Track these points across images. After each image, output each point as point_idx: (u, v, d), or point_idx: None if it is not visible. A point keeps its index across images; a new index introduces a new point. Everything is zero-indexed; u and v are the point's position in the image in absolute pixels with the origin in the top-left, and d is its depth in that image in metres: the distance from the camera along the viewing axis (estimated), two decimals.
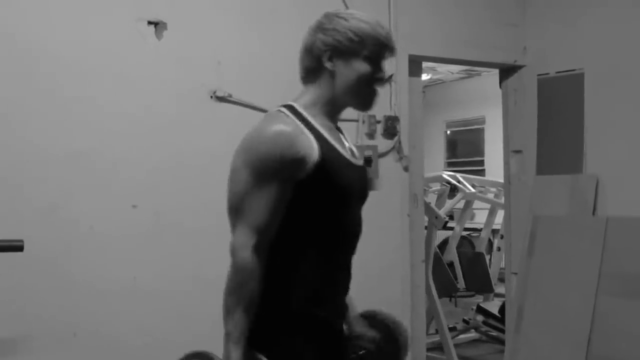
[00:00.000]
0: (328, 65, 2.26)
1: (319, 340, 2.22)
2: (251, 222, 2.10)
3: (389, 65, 2.34)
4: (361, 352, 2.47)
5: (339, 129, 2.38)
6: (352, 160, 2.31)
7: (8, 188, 3.53)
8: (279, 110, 2.23)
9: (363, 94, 2.31)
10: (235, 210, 2.14)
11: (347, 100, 2.31)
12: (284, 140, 2.10)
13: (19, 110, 3.58)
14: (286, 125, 2.14)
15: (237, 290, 2.10)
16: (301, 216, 2.17)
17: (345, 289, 2.39)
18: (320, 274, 2.22)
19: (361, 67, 2.26)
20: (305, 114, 2.23)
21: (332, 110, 2.31)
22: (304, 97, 2.30)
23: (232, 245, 2.12)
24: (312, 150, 2.13)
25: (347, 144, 2.36)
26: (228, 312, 2.11)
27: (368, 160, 4.63)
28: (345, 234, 2.30)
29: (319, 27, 2.29)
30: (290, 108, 2.24)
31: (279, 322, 2.19)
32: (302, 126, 2.17)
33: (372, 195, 4.87)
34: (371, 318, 2.58)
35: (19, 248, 3.29)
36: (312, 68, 2.30)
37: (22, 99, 3.59)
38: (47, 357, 3.59)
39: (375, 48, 2.27)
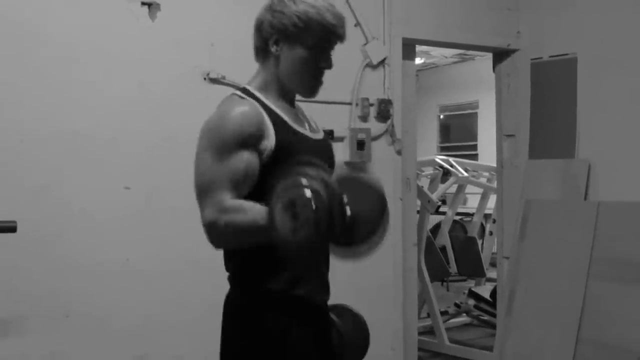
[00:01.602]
0: (273, 49, 2.24)
1: (299, 317, 2.23)
2: (216, 192, 2.08)
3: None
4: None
5: (296, 107, 2.37)
6: (310, 134, 2.31)
7: (1, 169, 3.52)
8: (233, 94, 2.24)
9: (306, 80, 2.29)
10: (202, 190, 2.13)
11: (290, 84, 2.29)
12: (244, 117, 2.11)
13: (10, 91, 3.57)
14: (242, 106, 2.15)
15: (229, 234, 2.08)
16: (267, 196, 2.14)
17: (326, 266, 2.37)
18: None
19: (304, 53, 2.23)
20: (259, 95, 2.23)
21: (283, 91, 2.29)
22: (257, 78, 2.30)
23: (203, 223, 2.10)
24: (268, 129, 2.14)
25: (304, 121, 2.35)
26: (235, 234, 2.07)
27: (360, 143, 4.62)
28: None
29: (269, 8, 2.27)
30: (244, 91, 2.25)
31: (260, 300, 2.20)
32: (256, 104, 2.18)
33: None
34: (339, 309, 2.54)
35: (12, 229, 3.29)
36: (260, 49, 2.29)
37: (14, 80, 3.58)
38: (40, 338, 3.60)
39: (321, 35, 2.23)
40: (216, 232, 2.09)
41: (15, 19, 3.59)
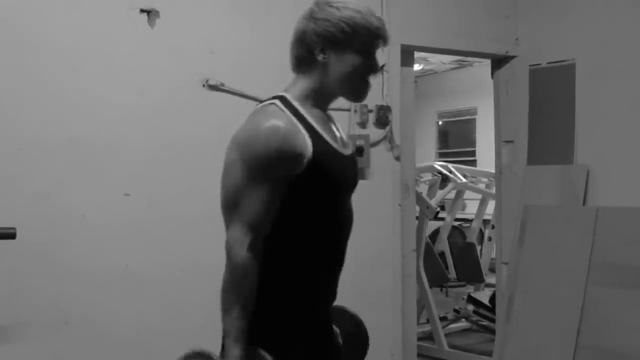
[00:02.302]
0: (320, 57, 2.22)
1: (312, 334, 2.25)
2: (246, 218, 2.08)
3: (380, 55, 2.33)
4: None
5: (329, 117, 2.36)
6: (342, 150, 2.29)
7: (0, 176, 3.53)
8: (272, 104, 2.19)
9: (356, 85, 2.28)
10: (230, 206, 2.12)
11: (340, 92, 2.28)
12: (279, 137, 2.07)
13: (10, 98, 3.57)
14: (280, 121, 2.10)
15: (234, 288, 2.09)
16: (295, 211, 2.16)
17: (338, 280, 2.38)
18: (317, 268, 2.23)
19: (354, 59, 2.22)
20: (297, 106, 2.19)
21: (323, 100, 2.28)
22: (295, 87, 2.26)
23: (228, 242, 2.10)
24: (306, 146, 2.11)
25: (337, 134, 2.34)
26: (226, 310, 2.10)
27: (360, 150, 4.63)
28: (338, 224, 2.29)
29: (311, 16, 2.23)
30: (283, 100, 2.20)
31: (275, 317, 2.19)
32: (295, 120, 2.14)
33: (363, 184, 4.87)
34: (340, 313, 2.54)
35: (12, 236, 3.29)
36: (304, 58, 2.26)
37: (14, 87, 3.58)
38: (39, 345, 3.60)
39: (368, 39, 2.22)
40: (229, 256, 2.11)
41: (15, 26, 3.59)
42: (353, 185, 2.38)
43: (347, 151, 2.35)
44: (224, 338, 2.11)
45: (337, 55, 2.22)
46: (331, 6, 2.22)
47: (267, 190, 2.08)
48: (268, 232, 2.12)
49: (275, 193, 2.10)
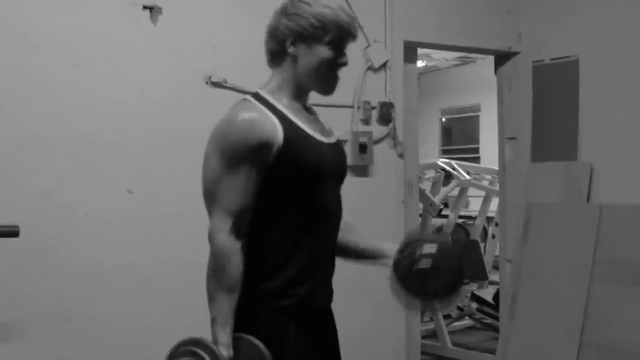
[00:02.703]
0: (291, 50, 2.32)
1: (299, 318, 2.26)
2: (225, 206, 2.18)
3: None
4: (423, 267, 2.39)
5: (309, 110, 2.43)
6: (322, 138, 2.35)
7: (3, 174, 3.53)
8: (244, 99, 2.33)
9: (325, 78, 2.35)
10: (209, 196, 2.25)
11: (309, 84, 2.36)
12: (249, 126, 2.18)
13: (12, 96, 3.57)
14: (249, 112, 2.22)
15: (217, 274, 2.18)
16: (275, 198, 2.24)
17: (329, 269, 2.41)
18: (299, 254, 2.26)
19: (323, 52, 2.31)
20: (270, 99, 2.30)
21: (298, 93, 2.36)
22: (270, 82, 2.38)
23: (209, 230, 2.22)
24: (276, 132, 2.19)
25: (316, 123, 2.40)
26: (211, 297, 2.20)
27: (363, 147, 4.62)
28: (321, 212, 2.32)
29: (283, 12, 2.35)
30: (256, 95, 2.33)
31: (259, 302, 2.23)
32: (265, 110, 2.24)
33: (366, 181, 4.88)
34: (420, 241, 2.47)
35: (15, 234, 3.29)
36: (276, 52, 2.37)
37: (16, 84, 3.58)
38: (42, 342, 3.60)
39: (337, 33, 2.31)
40: (212, 246, 2.21)
41: (16, 24, 3.59)
42: (336, 173, 2.42)
43: (328, 139, 2.40)
44: (212, 325, 2.18)
45: (306, 48, 2.31)
46: (303, 2, 2.32)
47: (241, 177, 2.18)
48: (248, 218, 2.20)
49: (249, 179, 2.18)
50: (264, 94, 2.32)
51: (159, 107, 3.95)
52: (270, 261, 2.24)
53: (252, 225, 2.21)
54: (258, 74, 4.17)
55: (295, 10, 2.31)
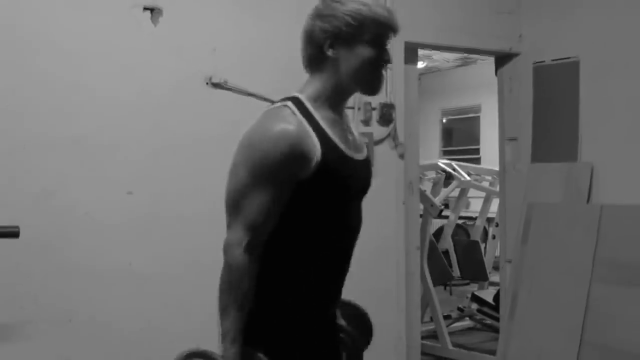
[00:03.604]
0: (330, 53, 2.20)
1: (313, 334, 2.24)
2: (246, 220, 2.08)
3: (391, 46, 2.31)
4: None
5: (343, 119, 2.32)
6: (353, 154, 2.26)
7: (4, 174, 3.53)
8: (285, 105, 2.17)
9: (369, 78, 2.26)
10: (232, 207, 2.12)
11: (354, 86, 2.26)
12: (287, 141, 2.06)
13: (13, 96, 3.57)
14: (289, 125, 2.09)
15: (230, 288, 2.09)
16: (302, 215, 2.15)
17: (343, 281, 2.37)
18: (321, 274, 2.23)
19: (364, 51, 2.20)
20: (310, 107, 2.18)
21: (338, 100, 2.26)
22: (310, 87, 2.24)
23: (225, 242, 2.11)
24: (315, 150, 2.09)
25: (350, 137, 2.30)
26: (223, 311, 2.10)
27: None
28: (344, 230, 2.29)
29: (317, 14, 2.23)
30: (296, 101, 2.19)
31: (277, 320, 2.19)
32: (305, 124, 2.12)
33: None
34: (345, 307, 2.52)
35: (15, 234, 3.29)
36: (314, 57, 2.24)
37: (17, 85, 3.59)
38: (43, 343, 3.60)
39: (376, 30, 2.21)
40: (226, 258, 2.11)
41: (17, 25, 3.60)
42: (363, 190, 2.37)
43: (360, 155, 2.32)
44: (221, 339, 2.11)
45: (346, 50, 2.20)
46: (335, 1, 2.21)
47: (270, 194, 2.07)
48: (266, 235, 2.12)
49: (278, 197, 2.09)
50: (304, 99, 2.19)
51: (159, 108, 3.95)
52: (289, 277, 2.19)
53: (272, 239, 2.13)
54: (259, 74, 4.23)
55: (329, 11, 2.20)
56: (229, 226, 2.13)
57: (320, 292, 2.26)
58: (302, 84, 2.29)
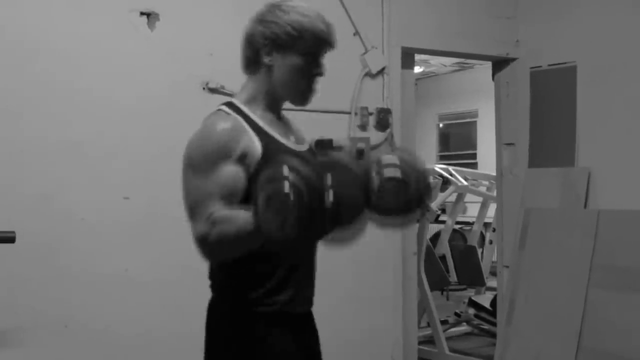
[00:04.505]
0: (266, 59, 2.25)
1: (279, 324, 2.24)
2: (204, 212, 2.06)
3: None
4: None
5: (283, 119, 2.37)
6: (295, 146, 2.29)
7: (0, 179, 3.52)
8: (219, 109, 2.23)
9: (299, 88, 2.29)
10: (192, 207, 2.11)
11: (284, 94, 2.30)
12: (228, 135, 2.12)
13: (10, 101, 3.57)
14: (225, 123, 2.15)
15: (217, 246, 2.06)
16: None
17: (310, 275, 2.38)
18: (278, 262, 2.23)
19: (298, 61, 2.24)
20: (244, 109, 2.22)
21: (272, 102, 2.30)
22: (244, 91, 2.30)
23: (196, 238, 2.08)
24: (254, 145, 2.14)
25: (291, 134, 2.34)
26: (227, 245, 2.05)
27: (360, 152, 4.62)
28: None
29: (260, 19, 2.27)
30: (230, 105, 2.24)
31: (241, 309, 2.22)
32: (242, 122, 2.17)
33: None
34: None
35: (11, 240, 3.28)
36: (252, 60, 2.29)
37: (14, 89, 3.58)
38: (38, 349, 3.59)
39: (313, 43, 2.24)
40: (208, 247, 2.08)
41: (15, 29, 3.59)
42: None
43: (302, 147, 2.35)
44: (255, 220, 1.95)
45: (282, 58, 2.24)
46: (280, 9, 2.25)
47: (222, 178, 2.08)
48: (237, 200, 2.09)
49: (231, 179, 2.10)
50: (238, 103, 2.25)
51: (156, 113, 3.95)
52: (255, 270, 2.20)
53: None
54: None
55: (272, 17, 2.24)
56: (193, 226, 2.10)
57: (286, 285, 2.25)
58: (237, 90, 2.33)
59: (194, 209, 2.11)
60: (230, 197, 2.09)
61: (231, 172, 2.10)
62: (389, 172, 2.05)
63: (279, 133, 2.25)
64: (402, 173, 2.06)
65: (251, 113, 2.22)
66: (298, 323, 2.34)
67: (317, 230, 1.94)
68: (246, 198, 2.10)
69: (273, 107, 2.31)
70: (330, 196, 1.88)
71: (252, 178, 2.10)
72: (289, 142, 2.28)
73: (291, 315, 2.29)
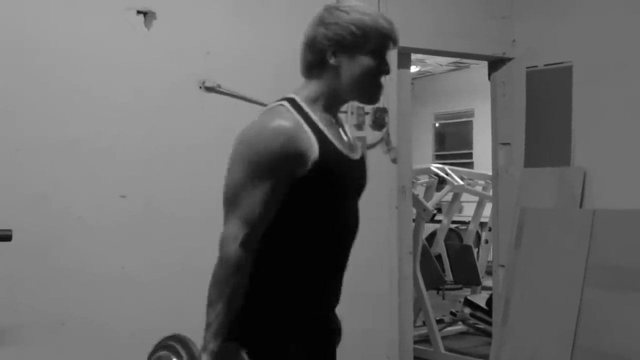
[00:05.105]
0: (332, 61, 2.23)
1: (309, 340, 2.24)
2: (242, 215, 2.08)
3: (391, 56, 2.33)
4: None
5: (338, 122, 2.36)
6: (350, 155, 2.29)
7: None
8: (281, 104, 2.20)
9: (369, 87, 2.29)
10: (228, 202, 2.13)
11: (352, 94, 2.30)
12: (284, 136, 2.08)
13: (7, 99, 3.57)
14: (286, 121, 2.12)
15: (221, 282, 2.09)
16: (298, 213, 2.16)
17: (339, 281, 2.38)
18: (317, 273, 2.23)
19: (365, 61, 2.23)
20: (305, 107, 2.20)
21: (333, 104, 2.30)
22: (306, 90, 2.27)
23: (222, 236, 2.11)
24: (312, 147, 2.12)
25: (345, 138, 2.33)
26: (210, 303, 2.11)
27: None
28: (341, 230, 2.29)
29: (321, 21, 2.25)
30: (292, 101, 2.21)
31: (270, 320, 2.19)
32: (302, 122, 2.15)
33: None
34: None
35: (7, 238, 3.28)
36: (315, 63, 2.26)
37: (10, 88, 3.58)
38: (36, 347, 3.59)
39: (378, 41, 2.24)
40: (222, 253, 2.11)
41: (11, 27, 3.59)
42: (359, 190, 2.39)
43: (355, 155, 2.34)
44: (205, 330, 2.12)
45: (348, 58, 2.23)
46: (340, 10, 2.23)
47: (267, 189, 2.08)
48: (262, 232, 2.12)
49: (275, 193, 2.10)
50: (300, 101, 2.22)
51: (152, 111, 3.95)
52: (284, 276, 2.19)
53: (268, 237, 2.14)
54: (252, 79, 4.23)
55: (333, 19, 2.22)
56: (225, 221, 2.14)
57: (316, 292, 2.26)
58: (297, 87, 2.30)
59: (232, 205, 2.12)
60: (257, 224, 2.11)
61: (276, 188, 2.10)
62: None
63: (335, 137, 2.24)
64: None
65: (311, 112, 2.21)
66: (327, 334, 2.39)
67: None
68: (290, 196, 2.13)
69: (332, 108, 2.30)
70: None
71: (302, 180, 2.12)
72: (344, 149, 2.26)
73: (322, 326, 2.33)
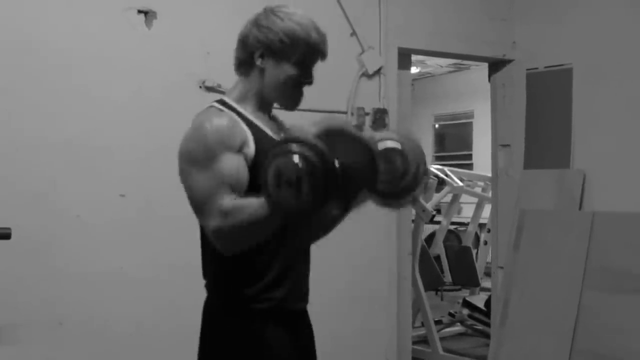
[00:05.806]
0: (258, 62, 2.28)
1: (274, 321, 2.25)
2: (214, 200, 2.06)
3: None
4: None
5: (273, 118, 2.40)
6: None
7: None
8: (210, 106, 2.27)
9: (289, 95, 2.32)
10: (200, 203, 2.12)
11: (273, 98, 2.33)
12: (223, 127, 2.14)
13: (6, 99, 3.57)
14: (220, 118, 2.17)
15: (234, 236, 2.05)
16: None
17: (304, 272, 2.39)
18: (274, 258, 2.24)
19: (289, 69, 2.27)
20: (236, 106, 2.26)
21: (263, 103, 2.33)
22: (235, 90, 2.34)
23: (211, 233, 2.09)
24: (248, 140, 2.16)
25: (281, 131, 2.36)
26: (244, 234, 2.04)
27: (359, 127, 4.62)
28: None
29: (256, 22, 2.30)
30: (222, 102, 2.28)
31: (236, 306, 2.22)
32: (235, 117, 2.20)
33: None
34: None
35: (6, 236, 3.28)
36: (244, 61, 2.33)
37: (9, 87, 3.58)
38: (33, 346, 3.59)
39: (306, 52, 2.28)
40: (224, 239, 2.07)
41: (10, 26, 3.59)
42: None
43: None
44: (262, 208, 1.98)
45: (274, 63, 2.28)
46: (276, 15, 2.28)
47: (225, 167, 2.09)
48: (243, 188, 2.10)
49: (235, 167, 2.10)
50: (230, 101, 2.28)
51: (152, 111, 3.95)
52: (251, 267, 2.21)
53: None
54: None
55: (267, 23, 2.27)
56: (204, 221, 2.12)
57: (281, 282, 2.26)
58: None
59: (202, 204, 2.11)
60: (236, 186, 2.09)
61: (234, 161, 2.11)
62: (386, 144, 2.14)
63: (271, 130, 2.28)
64: (400, 144, 2.16)
65: (243, 110, 2.25)
66: (294, 320, 2.35)
67: (332, 197, 1.91)
68: (248, 190, 2.11)
69: (263, 107, 2.34)
70: (337, 164, 1.88)
71: (250, 172, 2.12)
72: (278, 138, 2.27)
73: (287, 311, 2.30)
